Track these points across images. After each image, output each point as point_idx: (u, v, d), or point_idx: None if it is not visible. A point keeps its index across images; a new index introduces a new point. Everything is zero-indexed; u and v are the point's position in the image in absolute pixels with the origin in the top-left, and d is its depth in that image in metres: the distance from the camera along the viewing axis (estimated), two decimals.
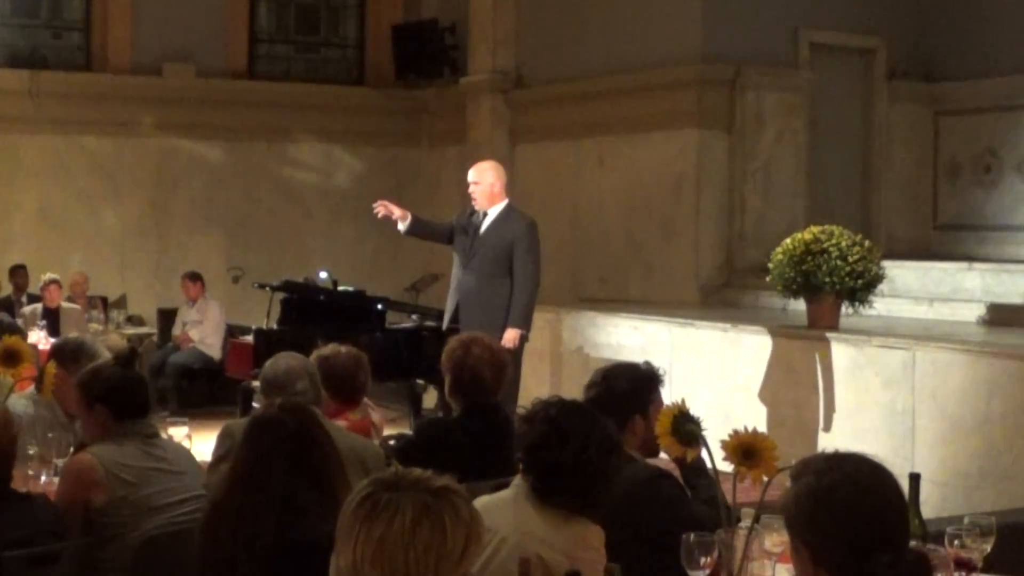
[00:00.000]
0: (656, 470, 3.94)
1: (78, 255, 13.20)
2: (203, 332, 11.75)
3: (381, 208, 8.01)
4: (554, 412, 3.37)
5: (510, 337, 7.51)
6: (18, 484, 4.13)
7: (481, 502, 3.53)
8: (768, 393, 8.38)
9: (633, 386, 4.01)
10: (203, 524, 3.25)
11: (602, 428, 3.39)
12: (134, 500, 4.20)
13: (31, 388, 5.07)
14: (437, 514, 2.16)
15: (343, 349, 5.12)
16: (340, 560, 2.20)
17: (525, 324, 7.75)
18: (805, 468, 2.48)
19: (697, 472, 3.95)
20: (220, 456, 4.52)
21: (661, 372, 4.16)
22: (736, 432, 3.10)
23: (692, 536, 3.19)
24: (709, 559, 3.18)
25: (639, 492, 3.72)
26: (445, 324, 8.07)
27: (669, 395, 3.90)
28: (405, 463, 4.73)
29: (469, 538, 2.20)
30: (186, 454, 4.60)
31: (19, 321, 10.17)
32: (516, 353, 7.48)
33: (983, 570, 3.41)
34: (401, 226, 8.07)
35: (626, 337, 9.66)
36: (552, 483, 3.30)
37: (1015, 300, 9.00)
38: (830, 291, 8.12)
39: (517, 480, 3.44)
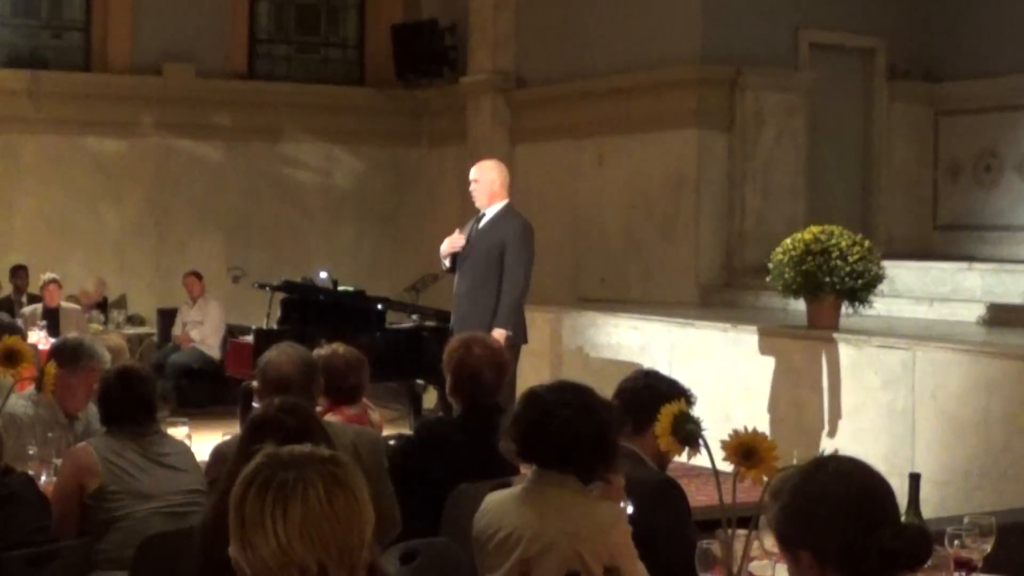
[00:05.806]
0: (667, 478, 3.94)
1: (78, 255, 13.20)
2: (203, 332, 11.75)
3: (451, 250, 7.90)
4: (531, 390, 3.58)
5: (495, 337, 7.46)
6: None
7: (492, 499, 3.54)
8: (768, 393, 8.38)
9: (672, 391, 3.82)
10: (203, 525, 3.25)
11: (576, 394, 3.50)
12: (126, 487, 4.29)
13: (31, 388, 5.07)
14: (344, 482, 2.18)
15: (341, 350, 5.12)
16: (261, 550, 2.13)
17: (510, 325, 7.66)
18: (786, 481, 2.54)
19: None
20: (215, 479, 4.51)
21: (694, 399, 3.95)
22: (736, 432, 3.10)
23: (706, 543, 3.26)
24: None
25: (647, 497, 3.73)
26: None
27: None
28: (406, 463, 4.74)
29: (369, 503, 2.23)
30: (186, 452, 4.62)
31: (19, 321, 10.16)
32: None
33: (983, 570, 3.41)
34: (447, 263, 8.00)
35: (626, 337, 9.66)
36: (537, 454, 3.43)
37: (1015, 300, 9.00)
38: (830, 291, 8.11)
39: (528, 475, 3.46)
